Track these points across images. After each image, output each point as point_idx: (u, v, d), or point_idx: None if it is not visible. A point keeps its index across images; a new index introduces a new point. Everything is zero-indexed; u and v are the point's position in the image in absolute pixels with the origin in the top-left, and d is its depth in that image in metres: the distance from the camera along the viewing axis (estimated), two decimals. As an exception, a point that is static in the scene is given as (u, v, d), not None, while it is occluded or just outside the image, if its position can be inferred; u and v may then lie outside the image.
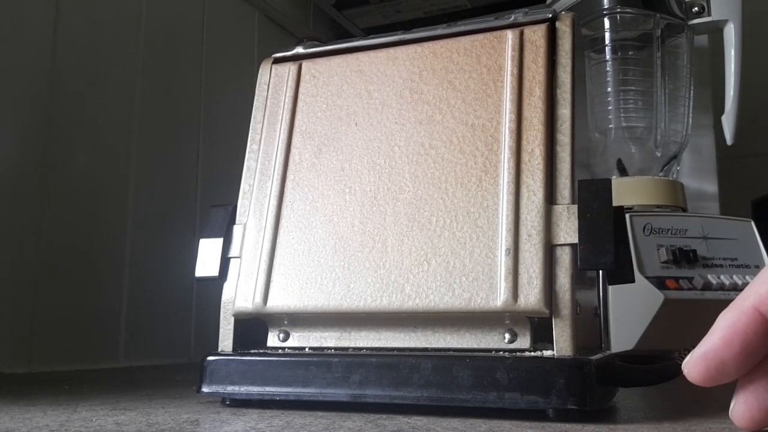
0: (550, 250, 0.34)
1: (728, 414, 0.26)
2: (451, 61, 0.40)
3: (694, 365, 0.25)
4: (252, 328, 0.41)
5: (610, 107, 0.80)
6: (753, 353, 0.25)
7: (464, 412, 0.34)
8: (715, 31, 0.77)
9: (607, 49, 0.81)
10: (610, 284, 0.40)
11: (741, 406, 0.25)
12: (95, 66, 0.73)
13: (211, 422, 0.32)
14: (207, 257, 0.41)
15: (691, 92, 0.80)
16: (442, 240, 0.36)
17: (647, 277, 0.64)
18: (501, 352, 0.35)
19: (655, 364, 0.36)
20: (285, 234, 0.40)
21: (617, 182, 0.74)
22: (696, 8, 0.76)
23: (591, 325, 0.40)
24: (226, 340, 0.40)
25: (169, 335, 0.79)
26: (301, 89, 0.43)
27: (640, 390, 0.46)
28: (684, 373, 0.26)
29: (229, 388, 0.38)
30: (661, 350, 0.60)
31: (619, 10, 0.81)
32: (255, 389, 0.37)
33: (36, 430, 0.30)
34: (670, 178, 0.77)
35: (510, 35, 0.39)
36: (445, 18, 1.13)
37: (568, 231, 0.34)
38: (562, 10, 0.40)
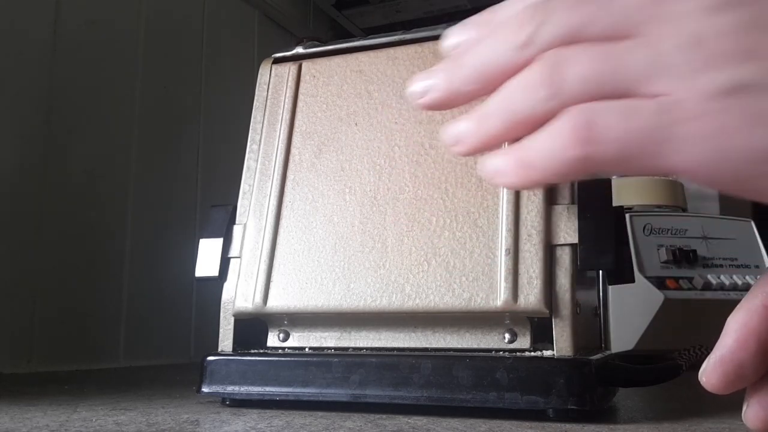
0: (550, 250, 0.34)
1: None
2: (451, 61, 0.40)
3: (712, 372, 0.24)
4: (252, 328, 0.41)
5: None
6: None
7: (464, 412, 0.34)
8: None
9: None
10: (610, 284, 0.40)
11: (755, 407, 0.25)
12: (95, 66, 0.73)
13: (211, 422, 0.32)
14: (207, 257, 0.41)
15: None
16: (442, 240, 0.36)
17: (647, 277, 0.64)
18: (501, 352, 0.35)
19: (655, 364, 0.36)
20: (285, 234, 0.40)
21: (617, 182, 0.74)
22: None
23: (591, 325, 0.40)
24: (226, 340, 0.40)
25: (169, 335, 0.79)
26: (301, 89, 0.43)
27: (640, 390, 0.46)
28: (702, 382, 0.25)
29: (229, 388, 0.38)
30: (661, 350, 0.60)
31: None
32: (255, 389, 0.37)
33: (36, 430, 0.30)
34: (670, 178, 0.77)
35: (510, 35, 0.38)
36: (445, 18, 1.13)
37: (568, 231, 0.34)
38: (562, 10, 0.40)
